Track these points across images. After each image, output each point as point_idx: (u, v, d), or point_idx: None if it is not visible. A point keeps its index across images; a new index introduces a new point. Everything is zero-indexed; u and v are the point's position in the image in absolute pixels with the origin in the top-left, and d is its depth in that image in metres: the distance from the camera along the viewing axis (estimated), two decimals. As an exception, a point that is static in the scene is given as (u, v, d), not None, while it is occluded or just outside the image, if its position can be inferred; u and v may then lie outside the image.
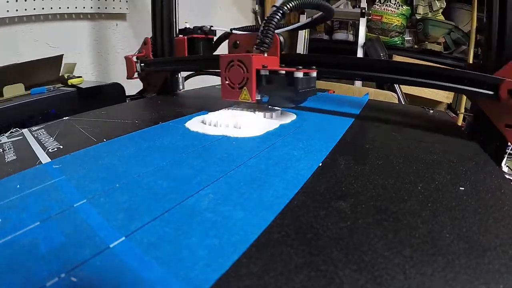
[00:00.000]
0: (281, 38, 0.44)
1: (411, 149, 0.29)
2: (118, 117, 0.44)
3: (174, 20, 0.62)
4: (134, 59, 0.62)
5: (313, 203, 0.19)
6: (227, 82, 0.41)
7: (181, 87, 0.69)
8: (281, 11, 0.41)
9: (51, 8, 0.70)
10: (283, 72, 0.36)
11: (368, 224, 0.17)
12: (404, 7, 1.51)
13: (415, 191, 0.21)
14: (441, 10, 1.49)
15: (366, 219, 0.17)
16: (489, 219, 0.18)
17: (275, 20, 0.41)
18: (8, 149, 0.32)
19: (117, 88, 0.66)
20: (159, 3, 0.62)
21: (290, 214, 0.18)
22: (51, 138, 0.34)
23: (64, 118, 0.44)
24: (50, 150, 0.30)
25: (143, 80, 0.67)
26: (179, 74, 0.69)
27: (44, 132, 0.37)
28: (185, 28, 0.62)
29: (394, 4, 1.50)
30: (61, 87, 0.62)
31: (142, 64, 0.62)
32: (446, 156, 0.28)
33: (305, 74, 0.36)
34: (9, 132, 0.39)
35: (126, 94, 0.68)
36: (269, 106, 0.42)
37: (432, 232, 0.16)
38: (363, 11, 1.29)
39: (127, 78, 0.63)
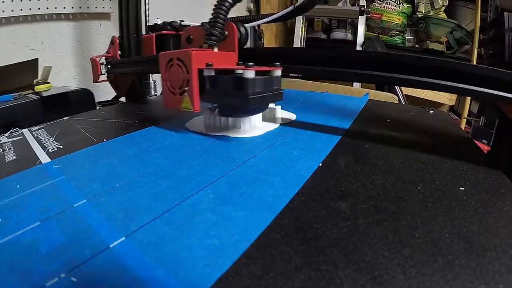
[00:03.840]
0: (241, 29, 0.35)
1: (411, 149, 0.29)
2: (118, 117, 0.44)
3: (141, 15, 0.54)
4: (103, 60, 0.55)
5: (313, 203, 0.19)
6: (167, 85, 0.33)
7: (153, 92, 0.63)
8: None
9: (30, 9, 0.68)
10: (232, 71, 0.28)
11: (368, 224, 0.17)
12: (405, 5, 1.50)
13: (415, 191, 0.21)
14: (443, 8, 1.48)
15: (366, 219, 0.17)
16: (489, 219, 0.18)
17: (226, 5, 0.32)
18: (8, 149, 0.32)
19: (85, 94, 0.61)
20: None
21: (290, 214, 0.18)
22: (51, 138, 0.34)
23: (64, 118, 0.44)
24: (50, 150, 0.30)
25: (112, 84, 0.60)
26: (150, 77, 0.62)
27: (44, 132, 0.37)
28: (155, 24, 0.55)
29: (395, 2, 1.50)
30: (30, 93, 0.57)
31: (109, 66, 0.54)
32: (446, 156, 0.28)
33: (260, 73, 0.27)
34: (9, 132, 0.39)
35: (98, 100, 0.63)
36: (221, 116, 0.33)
37: (432, 232, 0.16)
38: (362, 9, 1.28)
39: (93, 82, 0.57)
